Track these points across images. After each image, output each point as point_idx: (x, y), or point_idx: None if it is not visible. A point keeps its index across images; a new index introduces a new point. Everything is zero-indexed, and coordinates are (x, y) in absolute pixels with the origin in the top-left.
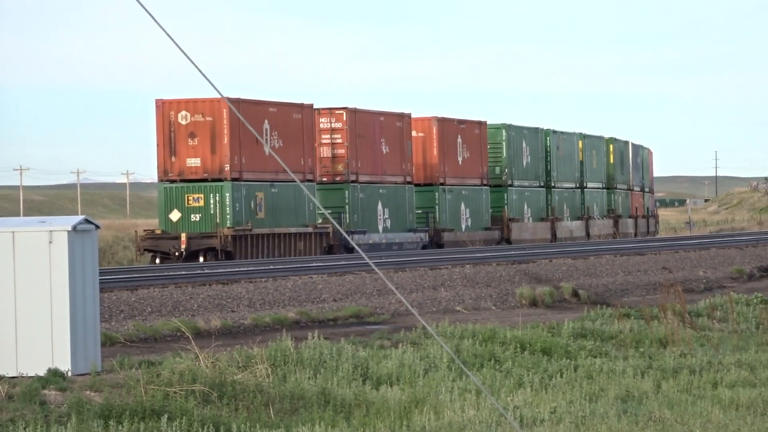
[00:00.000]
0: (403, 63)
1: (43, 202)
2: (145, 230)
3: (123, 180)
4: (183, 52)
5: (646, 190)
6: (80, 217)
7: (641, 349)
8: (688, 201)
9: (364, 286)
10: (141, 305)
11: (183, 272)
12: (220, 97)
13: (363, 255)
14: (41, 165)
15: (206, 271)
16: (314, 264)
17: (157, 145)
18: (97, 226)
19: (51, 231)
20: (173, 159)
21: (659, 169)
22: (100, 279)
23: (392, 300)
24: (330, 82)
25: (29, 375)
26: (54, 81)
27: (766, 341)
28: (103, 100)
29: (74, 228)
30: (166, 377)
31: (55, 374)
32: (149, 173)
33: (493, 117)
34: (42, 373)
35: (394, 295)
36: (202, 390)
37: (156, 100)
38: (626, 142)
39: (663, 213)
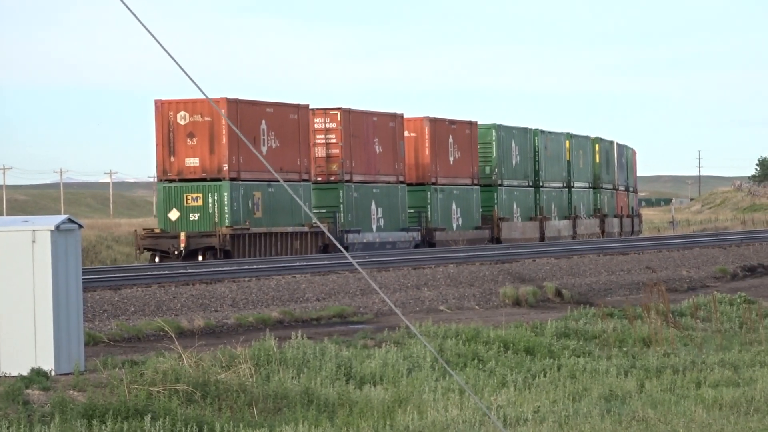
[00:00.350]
0: (389, 62)
1: (27, 201)
2: (144, 229)
3: (106, 179)
4: (168, 53)
5: (631, 189)
6: (63, 217)
7: (625, 349)
8: (674, 200)
9: (348, 285)
10: (124, 305)
11: (166, 272)
12: (216, 98)
13: (346, 254)
14: (24, 164)
15: (189, 270)
16: (297, 263)
17: (156, 145)
18: (81, 226)
19: (34, 231)
20: (172, 159)
21: (643, 169)
22: (83, 278)
23: (376, 299)
24: (319, 82)
25: (12, 375)
26: (36, 80)
27: (750, 341)
28: (88, 99)
29: (57, 227)
30: (150, 377)
31: (38, 374)
32: (133, 172)
33: (476, 116)
34: (25, 372)
35: (378, 295)
36: (186, 389)
37: (155, 100)
38: (611, 142)
39: (646, 212)
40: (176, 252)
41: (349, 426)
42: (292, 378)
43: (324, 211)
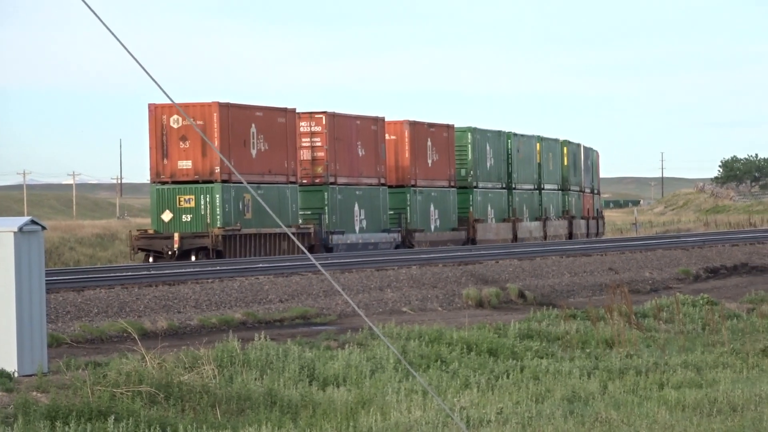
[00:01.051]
0: (359, 64)
1: None
2: (138, 230)
3: (69, 181)
4: (133, 57)
5: (595, 191)
6: (26, 218)
7: (587, 350)
8: (642, 202)
9: (311, 287)
10: (87, 306)
11: (129, 273)
12: (208, 102)
13: (309, 256)
14: None
15: (152, 272)
16: (261, 265)
17: (150, 148)
18: (44, 227)
19: None
20: (165, 161)
21: (606, 170)
22: (46, 280)
23: (339, 301)
24: (292, 84)
25: None
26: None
27: (712, 342)
28: (51, 101)
29: (20, 229)
30: (113, 378)
31: (1, 375)
32: (95, 174)
33: (437, 117)
34: None
35: (341, 296)
36: (149, 391)
37: (149, 104)
38: (578, 145)
39: (609, 214)
40: (170, 252)
41: (312, 427)
42: (255, 379)
43: (309, 212)
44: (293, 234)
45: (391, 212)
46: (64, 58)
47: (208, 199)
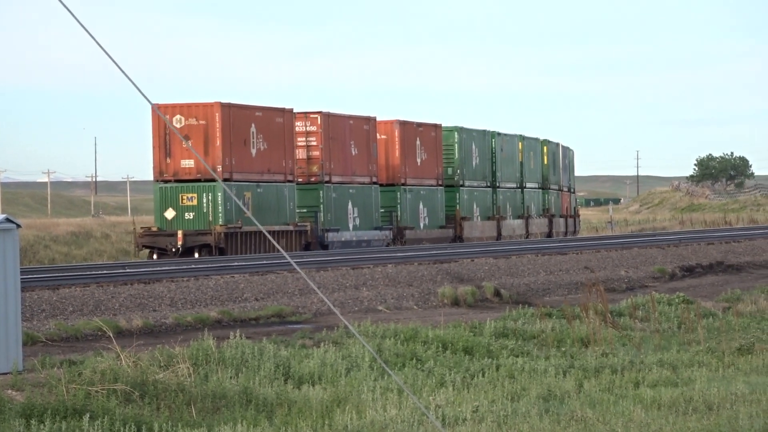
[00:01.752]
0: (337, 61)
1: None
2: (142, 227)
3: (44, 179)
4: (111, 57)
5: (571, 190)
6: (1, 216)
7: (563, 349)
8: (623, 200)
9: (286, 285)
10: (62, 304)
11: (104, 272)
12: (210, 102)
13: (285, 254)
14: None
15: (128, 270)
16: (236, 263)
17: (153, 147)
18: (19, 225)
19: None
20: (168, 160)
21: (580, 169)
22: (21, 278)
23: (314, 299)
24: (272, 82)
25: None
26: None
27: (688, 341)
28: (27, 99)
29: None
30: (88, 376)
31: None
32: (70, 172)
33: (406, 115)
34: None
35: (316, 295)
36: (124, 389)
37: (153, 104)
38: (557, 144)
39: (585, 212)
40: (173, 249)
41: (288, 426)
42: (231, 378)
43: (305, 210)
44: (292, 231)
45: (382, 210)
46: (40, 56)
47: (210, 198)
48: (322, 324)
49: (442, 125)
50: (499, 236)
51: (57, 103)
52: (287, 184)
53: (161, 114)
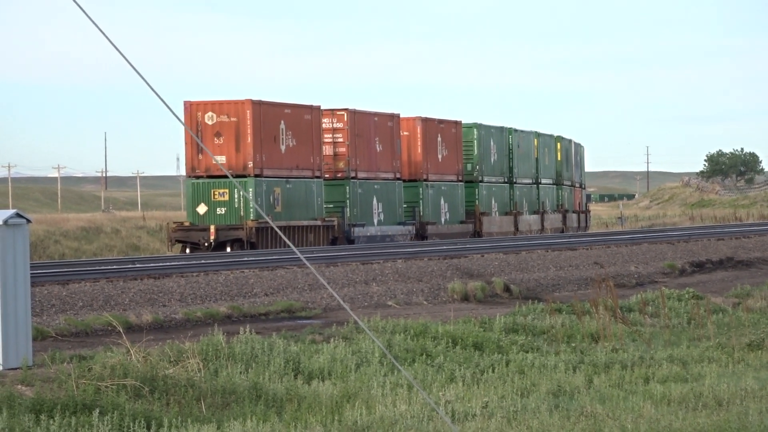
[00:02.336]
0: (340, 56)
1: None
2: (175, 222)
3: (54, 174)
4: (130, 64)
5: (583, 186)
6: (11, 211)
7: (573, 344)
8: (637, 195)
9: (296, 280)
10: (72, 299)
11: (114, 267)
12: (241, 99)
13: (294, 249)
14: None
15: (137, 265)
16: (246, 258)
17: (185, 144)
18: (29, 220)
19: None
20: (200, 157)
21: (591, 165)
22: (31, 273)
23: (324, 295)
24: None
25: None
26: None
27: (698, 336)
28: (37, 94)
29: (5, 222)
30: (98, 372)
31: None
32: (81, 167)
33: (410, 111)
34: None
35: (326, 290)
36: (134, 384)
37: (184, 101)
38: (570, 141)
39: (594, 208)
40: (206, 244)
41: (298, 421)
42: (241, 373)
43: (332, 206)
44: (320, 226)
45: (405, 206)
46: (50, 51)
47: (241, 193)
48: (332, 319)
49: (462, 122)
50: (516, 231)
51: (67, 98)
52: (315, 179)
53: (188, 129)
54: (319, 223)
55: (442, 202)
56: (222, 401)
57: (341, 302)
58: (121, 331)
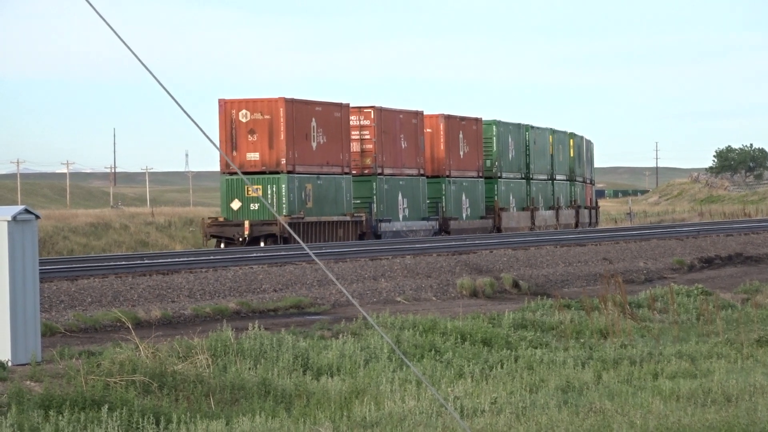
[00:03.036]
0: (338, 54)
1: None
2: (210, 218)
3: (63, 170)
4: (140, 60)
5: (592, 182)
6: (20, 207)
7: (582, 340)
8: (650, 191)
9: (305, 276)
10: (81, 295)
11: (123, 262)
12: (275, 97)
13: (303, 245)
14: None
15: (146, 261)
16: (254, 254)
17: (220, 141)
18: (37, 216)
19: None
20: (234, 153)
21: (600, 160)
22: (40, 269)
23: (333, 290)
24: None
25: None
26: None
27: (707, 332)
28: (46, 90)
29: (14, 218)
30: (107, 367)
31: None
32: (89, 163)
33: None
34: None
35: (335, 286)
36: (143, 380)
37: (219, 99)
38: (582, 137)
39: (603, 204)
40: (240, 239)
41: (306, 417)
42: (249, 369)
43: (359, 201)
44: (349, 221)
45: (428, 201)
46: (59, 47)
47: (274, 189)
48: (341, 315)
49: (482, 119)
50: (532, 226)
51: (76, 94)
52: (344, 176)
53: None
54: (348, 218)
55: (464, 197)
56: (231, 397)
57: (350, 298)
58: (130, 326)
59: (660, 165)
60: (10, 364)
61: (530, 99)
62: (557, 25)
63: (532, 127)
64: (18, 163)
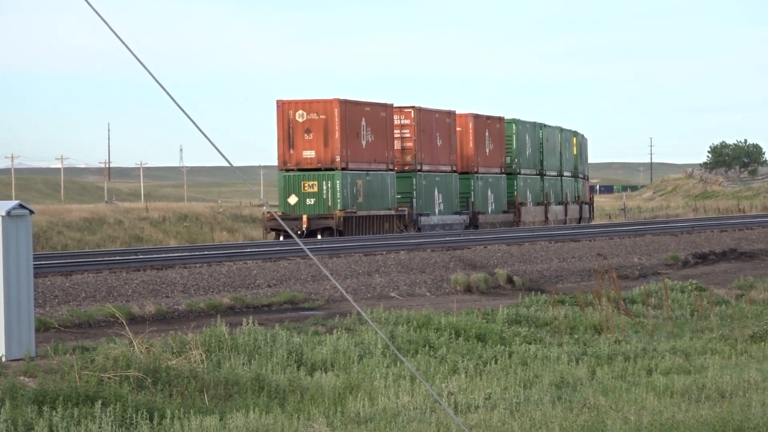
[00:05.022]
0: (327, 47)
1: None
2: (268, 212)
3: (57, 165)
4: (135, 56)
5: (587, 177)
6: (14, 202)
7: (576, 336)
8: (643, 187)
9: (299, 271)
10: (75, 290)
11: (117, 258)
12: (330, 98)
13: (298, 240)
14: None
15: (140, 256)
16: (249, 249)
17: (278, 140)
18: (32, 211)
19: None
20: (291, 151)
21: (594, 156)
22: (34, 264)
23: (327, 286)
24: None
25: None
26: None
27: (701, 328)
28: (41, 84)
29: (8, 213)
30: (101, 363)
31: None
32: (83, 158)
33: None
34: None
35: (329, 281)
36: (137, 376)
37: (277, 100)
38: (583, 135)
39: (598, 199)
40: (298, 232)
41: (300, 412)
42: (243, 364)
43: (399, 197)
44: (393, 215)
45: (460, 196)
46: (54, 41)
47: (329, 185)
48: (335, 310)
49: (504, 118)
50: (546, 221)
51: (71, 89)
52: (389, 172)
53: (195, 123)
54: (392, 212)
55: (489, 192)
56: (225, 392)
57: (344, 293)
58: (124, 322)
59: (654, 160)
60: (3, 359)
61: (523, 94)
62: (550, 20)
63: (545, 126)
64: (12, 158)
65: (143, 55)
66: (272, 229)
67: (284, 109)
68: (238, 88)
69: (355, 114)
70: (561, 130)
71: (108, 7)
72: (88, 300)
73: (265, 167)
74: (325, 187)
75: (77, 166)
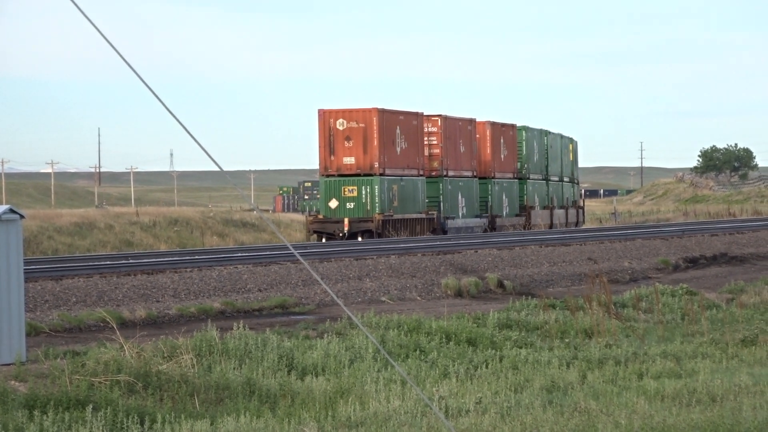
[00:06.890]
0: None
1: None
2: (311, 215)
3: (48, 170)
4: (125, 60)
5: (578, 182)
6: (5, 207)
7: (566, 340)
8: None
9: (289, 276)
10: (66, 295)
11: (108, 262)
12: (368, 107)
13: (287, 244)
14: None
15: (131, 261)
16: (239, 254)
17: (319, 147)
18: (22, 216)
19: None
20: (332, 158)
21: (584, 160)
22: (24, 268)
23: (318, 290)
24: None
25: None
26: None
27: (692, 332)
28: (31, 91)
29: None
30: (91, 367)
31: None
32: (74, 163)
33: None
34: None
35: (320, 286)
36: (127, 380)
37: (318, 109)
38: (577, 142)
39: (588, 203)
40: (340, 234)
41: (291, 416)
42: (234, 369)
43: (428, 201)
44: (424, 218)
45: (479, 200)
46: (44, 46)
47: (368, 190)
48: (326, 315)
49: (516, 125)
50: (551, 224)
51: (61, 94)
52: (420, 177)
53: (184, 126)
54: (423, 216)
55: (504, 197)
56: (215, 397)
57: (335, 298)
58: (115, 326)
59: (645, 165)
60: None
61: (514, 98)
62: (541, 24)
63: (550, 133)
64: (2, 162)
65: (133, 60)
66: (315, 231)
67: (325, 117)
68: (238, 88)
69: (391, 122)
70: (561, 137)
71: (96, 12)
72: (79, 304)
73: (255, 171)
74: (364, 192)
75: (68, 170)
